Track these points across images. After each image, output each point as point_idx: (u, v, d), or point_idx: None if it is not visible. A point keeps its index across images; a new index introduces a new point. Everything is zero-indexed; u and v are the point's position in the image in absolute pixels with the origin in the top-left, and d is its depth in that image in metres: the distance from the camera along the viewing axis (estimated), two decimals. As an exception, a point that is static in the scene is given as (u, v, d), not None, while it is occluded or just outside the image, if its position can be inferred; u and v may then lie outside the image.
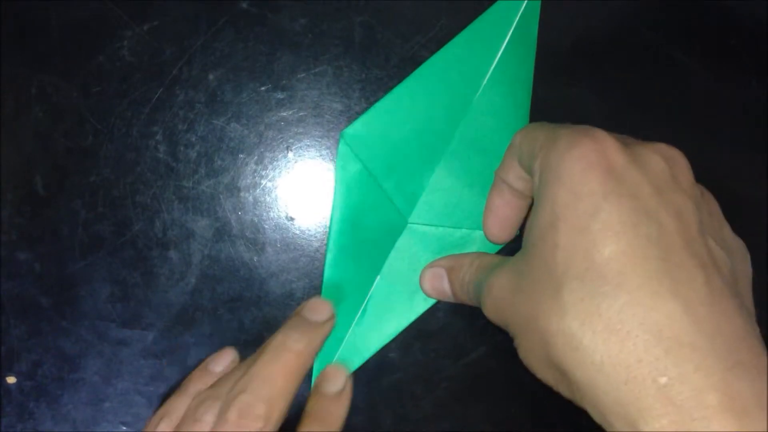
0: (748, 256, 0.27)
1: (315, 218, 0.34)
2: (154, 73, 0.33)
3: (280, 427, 0.28)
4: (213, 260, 0.33)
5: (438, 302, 0.34)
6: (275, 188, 0.34)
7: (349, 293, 0.33)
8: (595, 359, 0.22)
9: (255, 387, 0.27)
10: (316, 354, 0.30)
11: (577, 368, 0.22)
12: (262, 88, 0.33)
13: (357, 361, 0.33)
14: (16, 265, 0.33)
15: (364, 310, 0.33)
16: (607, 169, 0.24)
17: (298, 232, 0.34)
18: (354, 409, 0.31)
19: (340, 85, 0.34)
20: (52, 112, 0.33)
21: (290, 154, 0.34)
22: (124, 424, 0.33)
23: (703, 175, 0.36)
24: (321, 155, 0.34)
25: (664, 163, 0.25)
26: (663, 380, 0.21)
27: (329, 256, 0.33)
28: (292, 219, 0.34)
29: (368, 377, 0.34)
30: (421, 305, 0.33)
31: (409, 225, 0.33)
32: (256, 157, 0.34)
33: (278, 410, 0.27)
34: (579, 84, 0.35)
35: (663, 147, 0.25)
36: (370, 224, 0.33)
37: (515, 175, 0.30)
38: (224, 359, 0.31)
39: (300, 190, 0.34)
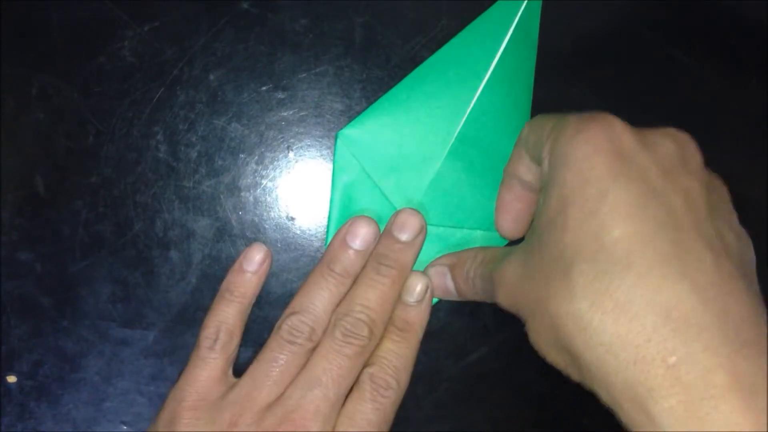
0: (751, 246, 0.27)
1: (315, 218, 0.34)
2: (154, 73, 0.33)
3: None
4: (214, 260, 0.33)
5: (439, 302, 0.34)
6: (276, 188, 0.34)
7: None
8: (603, 340, 0.22)
9: (357, 311, 0.30)
10: (408, 271, 0.32)
11: (586, 349, 0.22)
12: (263, 88, 0.33)
13: None
14: (17, 265, 0.33)
15: None
16: (615, 152, 0.24)
17: (298, 232, 0.34)
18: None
19: (341, 85, 0.34)
20: (52, 112, 0.33)
21: (291, 154, 0.34)
22: (124, 423, 0.33)
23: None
24: (322, 155, 0.34)
25: (674, 146, 0.25)
26: (672, 360, 0.21)
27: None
28: (292, 219, 0.34)
29: (369, 377, 0.34)
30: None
31: None
32: (256, 157, 0.34)
33: (378, 332, 0.30)
34: (579, 84, 0.35)
35: (672, 131, 0.25)
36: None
37: (525, 168, 0.30)
38: (255, 258, 0.32)
39: (301, 190, 0.34)
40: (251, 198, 0.34)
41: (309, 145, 0.34)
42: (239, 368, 0.31)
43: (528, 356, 0.26)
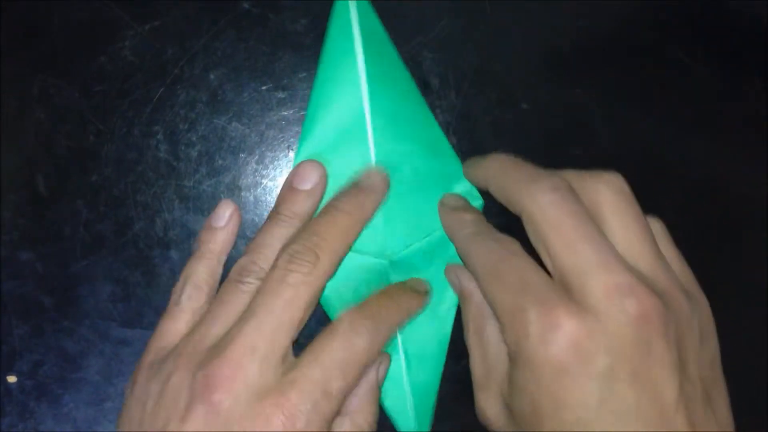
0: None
1: (316, 218, 0.34)
2: (155, 72, 0.33)
3: None
4: (214, 260, 0.33)
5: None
6: (276, 188, 0.34)
7: None
8: None
9: (304, 238, 0.29)
10: (368, 219, 0.31)
11: None
12: (263, 88, 0.33)
13: (432, 397, 0.33)
14: (18, 265, 0.33)
15: (406, 356, 0.33)
16: (583, 363, 0.24)
17: (299, 231, 0.34)
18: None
19: (341, 85, 0.34)
20: (53, 112, 0.33)
21: (291, 154, 0.34)
22: (125, 423, 0.34)
23: (703, 175, 0.36)
24: (322, 155, 0.34)
25: (635, 321, 0.24)
26: None
27: (330, 312, 0.32)
28: (293, 219, 0.34)
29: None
30: (448, 314, 0.33)
31: (391, 261, 0.32)
32: (257, 157, 0.34)
33: (327, 261, 0.28)
34: (579, 84, 0.35)
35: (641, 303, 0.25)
36: (359, 284, 0.32)
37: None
38: (224, 214, 0.32)
39: (301, 189, 0.34)
40: (251, 197, 0.34)
41: (309, 145, 0.34)
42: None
43: (528, 355, 0.26)
